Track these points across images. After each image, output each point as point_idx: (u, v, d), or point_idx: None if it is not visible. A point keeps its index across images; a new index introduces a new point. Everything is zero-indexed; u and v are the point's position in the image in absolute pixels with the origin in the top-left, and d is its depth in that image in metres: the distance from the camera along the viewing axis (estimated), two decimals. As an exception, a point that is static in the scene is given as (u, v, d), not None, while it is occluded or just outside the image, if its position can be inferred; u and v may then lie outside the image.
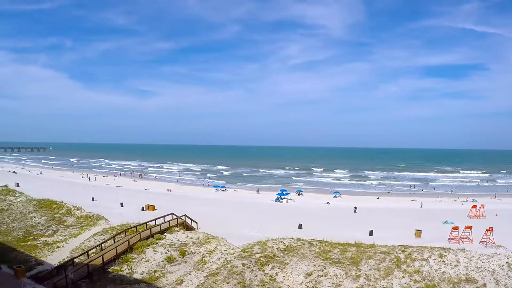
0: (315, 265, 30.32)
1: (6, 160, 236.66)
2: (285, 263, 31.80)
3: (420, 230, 47.32)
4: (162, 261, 35.20)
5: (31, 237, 44.69)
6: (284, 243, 35.74)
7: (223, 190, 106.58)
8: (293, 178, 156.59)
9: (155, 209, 65.32)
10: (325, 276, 28.69)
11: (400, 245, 32.57)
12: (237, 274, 29.64)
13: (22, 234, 45.75)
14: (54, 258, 36.96)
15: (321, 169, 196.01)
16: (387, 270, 28.42)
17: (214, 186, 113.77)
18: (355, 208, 71.57)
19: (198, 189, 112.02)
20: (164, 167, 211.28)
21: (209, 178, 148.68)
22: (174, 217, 47.52)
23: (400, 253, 30.71)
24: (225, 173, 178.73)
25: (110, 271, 33.40)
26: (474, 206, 66.67)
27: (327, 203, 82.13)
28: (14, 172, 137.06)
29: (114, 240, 39.50)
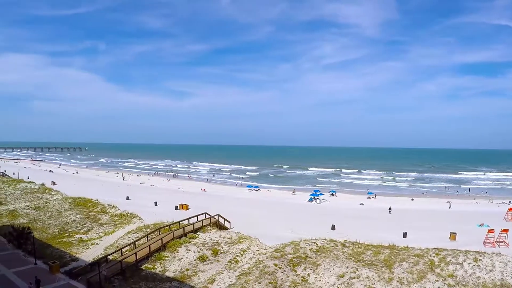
0: (347, 267, 30.67)
1: (43, 159, 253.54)
2: (318, 264, 32.04)
3: (455, 233, 47.55)
4: (195, 260, 35.93)
5: (66, 234, 47.36)
6: (317, 244, 36.02)
7: (257, 190, 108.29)
8: (326, 178, 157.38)
9: (189, 208, 67.03)
10: (358, 278, 28.90)
11: (434, 248, 32.63)
12: (269, 274, 30.02)
13: (58, 231, 48.62)
14: (88, 254, 38.84)
15: (355, 170, 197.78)
16: (420, 274, 28.40)
17: (248, 186, 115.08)
18: (390, 209, 72.57)
19: (231, 189, 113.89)
20: (194, 167, 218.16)
21: (242, 178, 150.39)
22: (207, 216, 48.75)
23: (434, 256, 30.63)
24: (258, 173, 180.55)
25: (143, 268, 34.50)
26: (511, 209, 65.83)
27: (361, 204, 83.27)
28: (50, 171, 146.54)
29: (147, 238, 40.82)
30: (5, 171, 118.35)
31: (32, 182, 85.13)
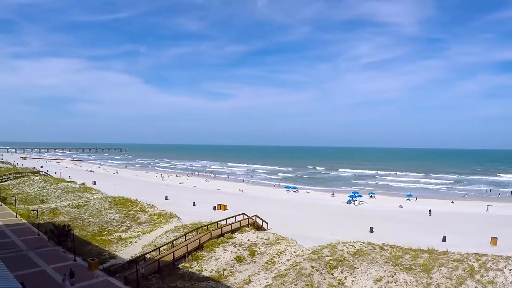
0: (385, 271, 30.54)
1: (84, 160, 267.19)
2: (355, 267, 31.77)
3: (496, 238, 46.03)
4: (232, 260, 35.95)
5: (105, 232, 48.99)
6: (355, 247, 35.68)
7: (295, 191, 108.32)
8: (363, 180, 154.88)
9: (227, 209, 67.37)
10: (395, 283, 28.76)
11: (474, 253, 32.00)
12: (305, 277, 30.04)
13: (97, 229, 50.46)
14: (126, 252, 39.84)
15: (393, 171, 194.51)
16: (459, 280, 27.91)
17: (286, 187, 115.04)
18: (430, 211, 71.90)
19: (269, 190, 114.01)
20: (230, 167, 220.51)
21: (280, 179, 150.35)
22: (245, 217, 48.87)
23: (474, 262, 29.97)
24: (294, 174, 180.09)
25: (180, 267, 34.87)
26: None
27: (400, 206, 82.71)
28: (91, 171, 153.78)
29: (185, 238, 41.32)
30: (47, 170, 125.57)
31: (73, 182, 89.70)
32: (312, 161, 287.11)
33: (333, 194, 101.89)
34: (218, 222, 46.21)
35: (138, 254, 38.02)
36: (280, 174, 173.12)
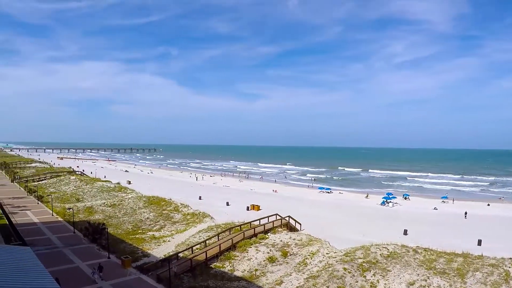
0: (418, 274, 30.16)
1: (118, 159, 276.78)
2: (388, 270, 31.32)
3: None
4: (264, 261, 35.88)
5: (139, 231, 50.24)
6: (388, 249, 35.14)
7: (328, 192, 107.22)
8: (396, 181, 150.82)
9: (260, 209, 67.41)
10: (428, 287, 28.41)
11: (510, 258, 31.44)
12: (337, 278, 29.89)
13: (131, 228, 51.84)
14: (159, 251, 40.64)
15: (427, 172, 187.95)
16: (494, 285, 27.38)
17: (319, 188, 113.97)
18: (465, 213, 70.16)
19: (302, 190, 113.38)
20: (262, 168, 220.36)
21: (314, 180, 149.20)
22: (278, 217, 48.79)
23: (509, 267, 29.53)
24: (327, 175, 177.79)
25: (212, 267, 35.21)
26: None
27: (435, 208, 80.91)
28: (126, 171, 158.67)
29: (218, 238, 41.66)
30: (83, 170, 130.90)
31: (108, 181, 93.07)
32: (344, 161, 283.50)
33: (367, 196, 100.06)
34: (251, 223, 46.50)
35: (171, 253, 38.69)
36: (310, 175, 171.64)
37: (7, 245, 31.43)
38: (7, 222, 49.18)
